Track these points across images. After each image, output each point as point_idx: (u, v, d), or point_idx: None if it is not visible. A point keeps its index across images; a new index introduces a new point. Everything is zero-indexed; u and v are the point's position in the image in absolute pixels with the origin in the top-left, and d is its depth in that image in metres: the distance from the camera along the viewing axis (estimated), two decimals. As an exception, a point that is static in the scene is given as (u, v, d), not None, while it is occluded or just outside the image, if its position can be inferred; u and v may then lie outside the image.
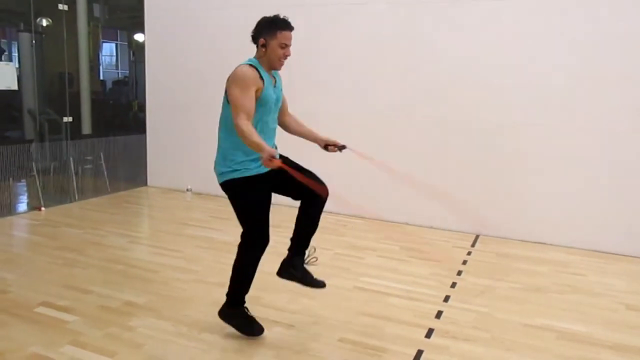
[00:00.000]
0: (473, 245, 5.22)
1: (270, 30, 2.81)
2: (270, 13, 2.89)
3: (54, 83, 9.68)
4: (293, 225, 3.11)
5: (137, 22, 8.90)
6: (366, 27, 5.88)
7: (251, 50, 2.94)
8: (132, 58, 14.73)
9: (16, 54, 9.50)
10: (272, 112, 2.93)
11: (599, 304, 3.87)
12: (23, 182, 6.95)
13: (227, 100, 2.81)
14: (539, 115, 5.20)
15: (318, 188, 2.88)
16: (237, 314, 3.08)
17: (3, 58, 8.93)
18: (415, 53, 5.68)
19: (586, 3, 4.97)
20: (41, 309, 3.40)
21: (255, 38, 2.87)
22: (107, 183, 7.16)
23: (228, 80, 2.79)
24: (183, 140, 7.11)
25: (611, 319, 3.61)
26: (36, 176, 6.33)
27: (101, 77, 14.83)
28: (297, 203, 3.11)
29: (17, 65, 8.00)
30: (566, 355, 3.06)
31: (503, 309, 3.67)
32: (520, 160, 5.33)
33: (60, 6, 6.68)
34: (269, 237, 2.99)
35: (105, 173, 7.22)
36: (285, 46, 2.83)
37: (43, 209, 6.04)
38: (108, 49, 17.57)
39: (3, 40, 11.56)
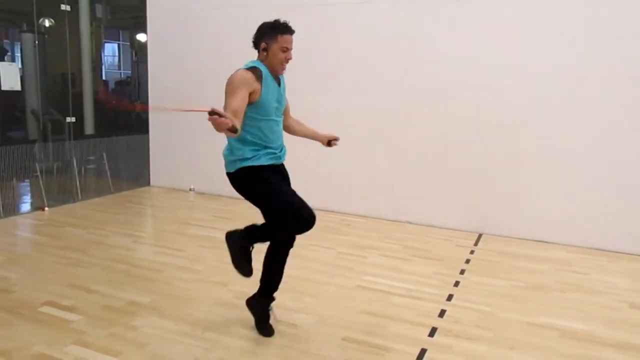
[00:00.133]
0: (476, 244, 5.22)
1: (272, 35, 2.83)
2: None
3: (57, 83, 9.70)
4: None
5: (139, 22, 8.94)
6: (366, 26, 5.88)
7: (254, 50, 2.95)
8: (134, 58, 14.75)
9: (19, 55, 9.52)
10: (272, 113, 2.92)
11: (600, 302, 3.87)
12: (26, 182, 6.97)
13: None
14: (540, 115, 5.20)
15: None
16: (264, 307, 3.12)
17: (6, 58, 8.95)
18: (415, 53, 5.68)
19: (586, 3, 4.97)
20: (45, 309, 3.41)
21: (256, 43, 2.89)
22: (110, 183, 7.18)
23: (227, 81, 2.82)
24: (185, 140, 7.12)
25: (613, 317, 3.61)
26: (39, 176, 6.35)
27: (103, 77, 14.86)
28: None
29: (20, 66, 8.03)
30: (568, 353, 3.07)
31: (505, 308, 3.68)
32: (522, 159, 5.33)
33: (63, 6, 6.70)
34: (310, 209, 2.87)
35: (108, 173, 7.24)
36: (287, 50, 2.85)
37: (46, 209, 6.06)
38: (110, 49, 17.59)
39: (6, 41, 11.59)
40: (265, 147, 2.90)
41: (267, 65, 2.87)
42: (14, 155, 6.03)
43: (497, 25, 5.31)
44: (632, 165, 4.93)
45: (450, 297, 3.83)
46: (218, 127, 2.38)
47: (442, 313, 3.55)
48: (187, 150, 7.14)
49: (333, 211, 6.13)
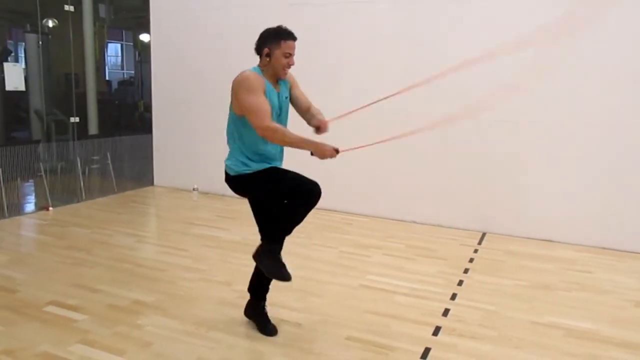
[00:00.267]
0: (480, 243, 5.21)
1: (275, 40, 2.84)
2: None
3: (61, 84, 9.72)
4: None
5: (143, 22, 8.95)
6: (366, 26, 5.87)
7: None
8: (137, 58, 14.77)
9: (23, 55, 9.55)
10: (276, 120, 2.93)
11: (606, 302, 3.86)
12: (31, 182, 6.99)
13: (232, 108, 2.86)
14: (544, 114, 5.19)
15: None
16: (274, 253, 2.99)
17: (10, 59, 8.96)
18: (417, 52, 5.67)
19: (587, 2, 4.95)
20: (50, 308, 3.42)
21: (259, 49, 2.89)
22: (114, 183, 7.19)
23: (233, 87, 2.81)
24: (189, 139, 7.13)
25: (619, 316, 3.60)
26: (43, 176, 6.37)
27: (107, 78, 14.90)
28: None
29: (24, 66, 8.05)
30: (574, 352, 3.06)
31: (510, 307, 3.67)
32: (526, 158, 5.32)
33: (67, 7, 6.71)
34: (315, 182, 2.89)
35: (112, 173, 7.25)
36: (289, 55, 2.86)
37: (51, 208, 6.07)
38: (113, 50, 17.63)
39: (10, 42, 11.61)
40: (263, 154, 2.91)
41: (268, 71, 2.88)
42: (18, 156, 6.05)
43: (498, 25, 5.29)
44: (637, 164, 4.91)
45: (454, 296, 3.82)
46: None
47: (446, 312, 3.55)
48: (190, 150, 7.15)
49: (335, 210, 6.13)
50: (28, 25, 8.35)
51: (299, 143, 2.78)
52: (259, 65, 2.91)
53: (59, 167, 7.07)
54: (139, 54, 14.40)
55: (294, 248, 3.12)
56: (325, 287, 3.93)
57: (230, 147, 2.98)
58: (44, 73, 8.04)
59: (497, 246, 5.12)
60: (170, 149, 7.38)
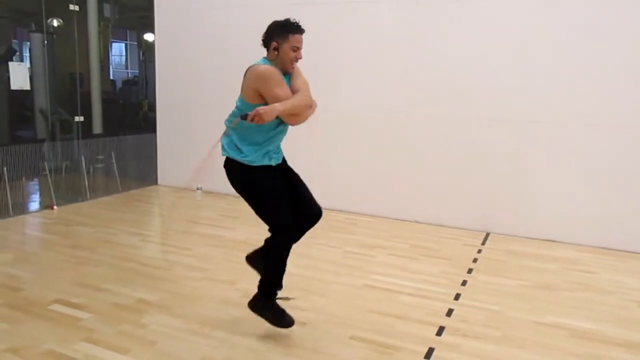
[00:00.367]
0: (483, 243, 5.21)
1: (282, 34, 2.83)
2: (277, 12, 2.91)
3: (65, 83, 9.77)
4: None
5: (147, 21, 8.97)
6: (368, 26, 5.87)
7: (261, 48, 2.95)
8: (141, 58, 14.82)
9: (28, 54, 9.59)
10: None
11: (609, 302, 3.85)
12: (35, 181, 7.02)
13: (244, 98, 2.85)
14: (546, 114, 5.18)
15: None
16: (270, 306, 3.06)
17: (15, 58, 9.00)
18: (418, 52, 5.67)
19: (589, 2, 4.95)
20: (55, 306, 3.44)
21: (266, 42, 2.89)
22: (118, 182, 7.21)
23: (252, 80, 2.79)
24: (193, 139, 7.13)
25: (622, 317, 3.60)
26: (48, 175, 6.39)
27: (111, 77, 14.94)
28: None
29: (29, 66, 8.08)
30: (577, 352, 3.06)
31: (514, 307, 3.67)
32: (529, 158, 5.31)
33: (71, 6, 6.73)
34: (293, 222, 2.92)
35: (116, 172, 7.27)
36: (297, 49, 2.86)
37: (55, 207, 6.09)
38: (117, 49, 17.68)
39: (15, 41, 11.66)
40: (265, 148, 2.91)
41: (276, 64, 2.87)
42: (23, 155, 6.07)
43: (500, 25, 5.29)
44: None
45: (458, 296, 3.82)
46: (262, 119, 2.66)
47: (449, 312, 3.55)
48: (194, 150, 7.13)
49: (339, 210, 6.13)
50: (33, 25, 8.40)
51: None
52: (266, 58, 2.90)
53: (63, 166, 7.10)
54: (143, 54, 14.45)
55: (299, 248, 3.12)
56: (329, 287, 3.94)
57: (230, 136, 2.97)
58: (49, 72, 8.08)
59: (500, 246, 5.11)
60: (174, 149, 7.40)
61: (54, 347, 2.91)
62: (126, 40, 17.64)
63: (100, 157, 7.40)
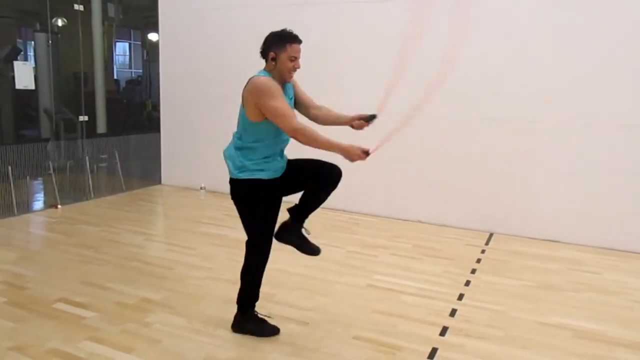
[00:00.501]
0: (487, 243, 5.20)
1: (280, 44, 2.84)
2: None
3: (70, 82, 9.78)
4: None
5: (151, 21, 8.99)
6: (371, 26, 5.87)
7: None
8: (145, 57, 14.84)
9: (32, 54, 9.62)
10: None
11: (613, 302, 3.85)
12: (40, 180, 7.04)
13: (246, 114, 2.84)
14: (550, 114, 5.18)
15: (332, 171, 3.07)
16: (249, 320, 3.13)
17: (20, 58, 9.03)
18: (422, 52, 5.66)
19: (595, 1, 4.94)
20: (59, 305, 3.45)
21: (264, 52, 2.89)
22: (122, 181, 7.23)
23: (251, 93, 2.79)
24: (197, 138, 7.15)
25: (625, 317, 3.59)
26: (52, 174, 6.41)
27: (115, 77, 14.97)
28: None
29: (33, 65, 8.11)
30: (580, 353, 3.06)
31: (517, 307, 3.67)
32: (533, 158, 5.30)
33: (76, 6, 6.76)
34: (271, 241, 3.03)
35: (120, 171, 7.29)
36: (295, 59, 2.87)
37: (59, 206, 6.12)
38: (121, 49, 17.71)
39: (20, 41, 11.70)
40: (265, 159, 2.92)
41: (275, 75, 2.88)
42: (28, 154, 6.09)
43: (500, 25, 5.29)
44: (646, 163, 4.90)
45: (461, 297, 3.83)
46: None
47: (453, 312, 3.55)
48: (198, 149, 7.18)
49: (342, 210, 6.14)
50: (38, 25, 8.42)
51: (329, 144, 2.80)
52: (265, 69, 2.91)
53: (67, 165, 7.12)
54: (147, 53, 14.47)
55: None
56: (332, 287, 3.94)
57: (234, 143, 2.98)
58: (53, 72, 8.10)
59: (503, 246, 5.11)
60: (178, 148, 7.41)
61: (58, 346, 2.92)
62: (130, 40, 17.66)
63: (104, 156, 7.42)
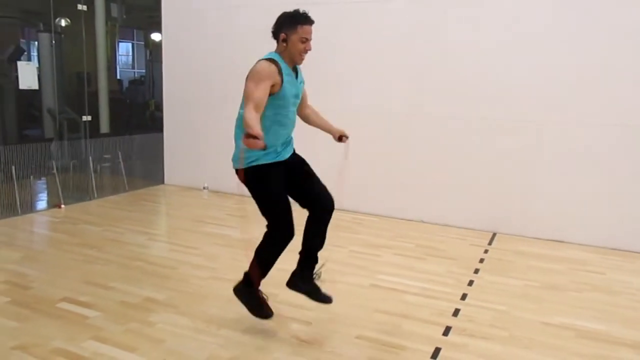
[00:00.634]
0: (490, 243, 5.20)
1: (291, 25, 2.82)
2: (281, 12, 2.90)
3: (73, 82, 9.79)
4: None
5: (154, 21, 8.99)
6: (376, 26, 5.87)
7: (268, 49, 2.95)
8: (148, 57, 14.84)
9: (36, 54, 9.63)
10: (290, 105, 2.94)
11: (617, 302, 3.84)
12: (43, 180, 7.06)
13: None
14: (554, 114, 5.17)
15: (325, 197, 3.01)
16: (252, 294, 3.08)
17: (23, 58, 9.05)
18: (427, 52, 5.66)
19: (590, 2, 4.93)
20: (63, 305, 3.46)
21: (275, 33, 2.87)
22: (125, 181, 7.24)
23: (247, 76, 2.80)
24: (200, 138, 7.16)
25: (629, 317, 3.58)
26: (56, 174, 6.43)
27: (118, 77, 14.97)
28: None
29: (37, 65, 8.12)
30: (584, 353, 3.05)
31: (521, 307, 3.66)
32: (536, 158, 5.29)
33: (79, 6, 6.76)
34: (294, 230, 2.95)
35: (123, 171, 7.30)
36: (306, 40, 2.84)
37: (63, 206, 6.13)
38: (124, 49, 17.73)
39: (23, 41, 11.72)
40: (272, 145, 2.88)
41: (285, 56, 2.86)
42: (31, 154, 6.11)
43: (500, 25, 5.29)
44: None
45: (464, 296, 3.82)
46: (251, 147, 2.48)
47: (456, 312, 3.55)
48: (201, 149, 7.18)
49: (345, 210, 6.13)
50: (41, 25, 8.41)
51: (246, 124, 2.54)
52: (276, 51, 2.89)
53: (71, 165, 7.13)
54: (150, 53, 14.47)
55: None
56: (335, 287, 3.92)
57: (236, 141, 2.97)
58: (57, 72, 8.11)
59: (507, 246, 5.10)
60: (180, 148, 7.42)
61: (62, 345, 2.93)
62: (133, 40, 17.68)
63: (107, 156, 7.43)
